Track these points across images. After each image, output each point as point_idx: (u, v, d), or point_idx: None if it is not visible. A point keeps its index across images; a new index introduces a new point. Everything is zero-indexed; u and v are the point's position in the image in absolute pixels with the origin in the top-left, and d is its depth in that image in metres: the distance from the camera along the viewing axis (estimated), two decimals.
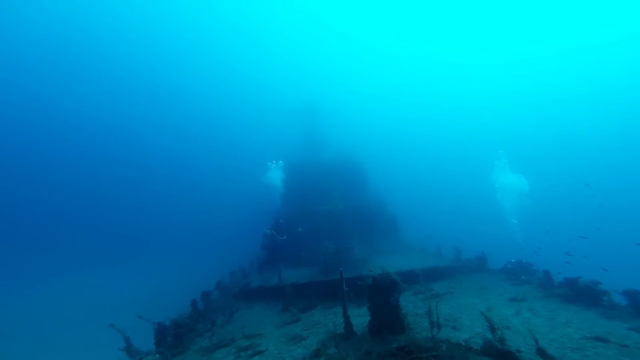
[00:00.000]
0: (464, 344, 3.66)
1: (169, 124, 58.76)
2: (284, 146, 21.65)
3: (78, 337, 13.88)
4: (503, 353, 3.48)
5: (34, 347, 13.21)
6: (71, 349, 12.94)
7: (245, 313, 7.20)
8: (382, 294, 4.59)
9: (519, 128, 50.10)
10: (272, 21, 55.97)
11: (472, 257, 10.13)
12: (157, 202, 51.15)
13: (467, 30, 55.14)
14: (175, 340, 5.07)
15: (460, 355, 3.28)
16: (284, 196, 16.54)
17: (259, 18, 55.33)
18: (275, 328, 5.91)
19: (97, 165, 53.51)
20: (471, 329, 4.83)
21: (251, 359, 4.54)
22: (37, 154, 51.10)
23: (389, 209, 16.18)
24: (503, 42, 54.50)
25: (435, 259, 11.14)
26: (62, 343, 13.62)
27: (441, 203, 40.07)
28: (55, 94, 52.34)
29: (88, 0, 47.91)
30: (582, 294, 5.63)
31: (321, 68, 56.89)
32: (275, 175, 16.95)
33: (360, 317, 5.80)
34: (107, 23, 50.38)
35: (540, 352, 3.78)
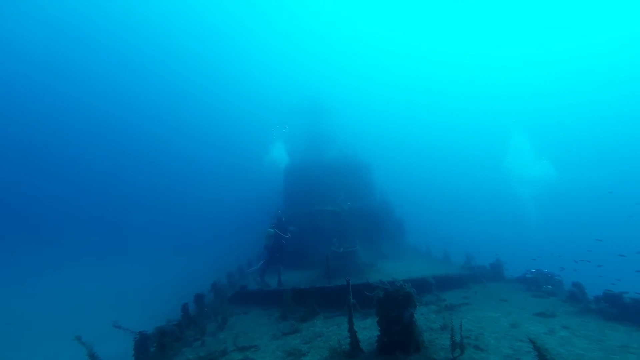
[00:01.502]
0: None
1: (167, 118, 58.67)
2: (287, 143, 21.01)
3: (48, 341, 12.47)
4: None
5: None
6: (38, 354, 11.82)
7: (240, 319, 6.61)
8: (394, 309, 3.96)
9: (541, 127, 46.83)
10: (277, 18, 55.75)
11: (486, 265, 9.43)
12: (154, 197, 50.89)
13: (475, 29, 54.10)
14: (158, 351, 4.50)
15: None
16: (286, 194, 15.95)
17: (263, 15, 55.17)
18: (271, 339, 5.30)
19: (89, 157, 53.26)
20: (498, 350, 4.16)
21: None
22: (31, 147, 51.04)
23: (395, 211, 15.51)
24: (512, 41, 53.01)
25: (444, 266, 10.47)
26: (25, 347, 12.37)
27: (449, 204, 38.99)
28: (53, 88, 52.24)
29: None
30: (631, 312, 4.87)
31: (327, 67, 56.33)
32: (279, 151, 15.63)
33: (367, 329, 5.17)
34: (96, 14, 50.07)
35: None
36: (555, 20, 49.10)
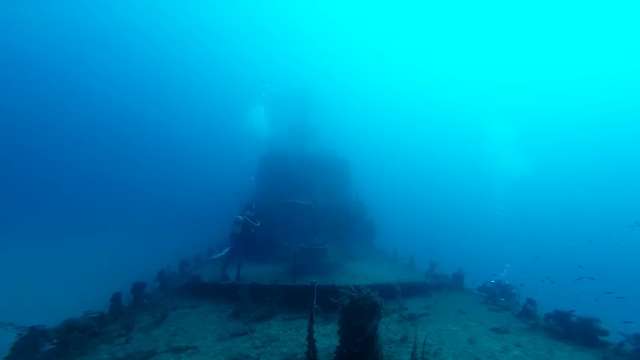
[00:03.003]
0: None
1: (141, 90, 53.89)
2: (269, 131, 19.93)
3: None
4: None
5: None
6: None
7: (185, 314, 5.82)
8: (358, 319, 3.56)
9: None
10: (273, 8, 53.11)
11: (449, 274, 9.65)
12: (118, 174, 46.31)
13: (468, 41, 54.49)
14: (58, 349, 3.56)
15: None
16: (259, 183, 15.13)
17: (262, 5, 52.31)
18: (216, 340, 4.65)
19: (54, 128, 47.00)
20: None
21: None
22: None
23: (368, 212, 15.48)
24: (502, 56, 53.69)
25: (409, 272, 10.57)
26: None
27: (424, 209, 40.55)
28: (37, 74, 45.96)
29: None
30: (575, 331, 5.08)
31: (319, 62, 55.21)
32: (258, 115, 13.97)
33: (327, 337, 4.75)
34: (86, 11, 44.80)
35: None
36: (542, 24, 48.74)
